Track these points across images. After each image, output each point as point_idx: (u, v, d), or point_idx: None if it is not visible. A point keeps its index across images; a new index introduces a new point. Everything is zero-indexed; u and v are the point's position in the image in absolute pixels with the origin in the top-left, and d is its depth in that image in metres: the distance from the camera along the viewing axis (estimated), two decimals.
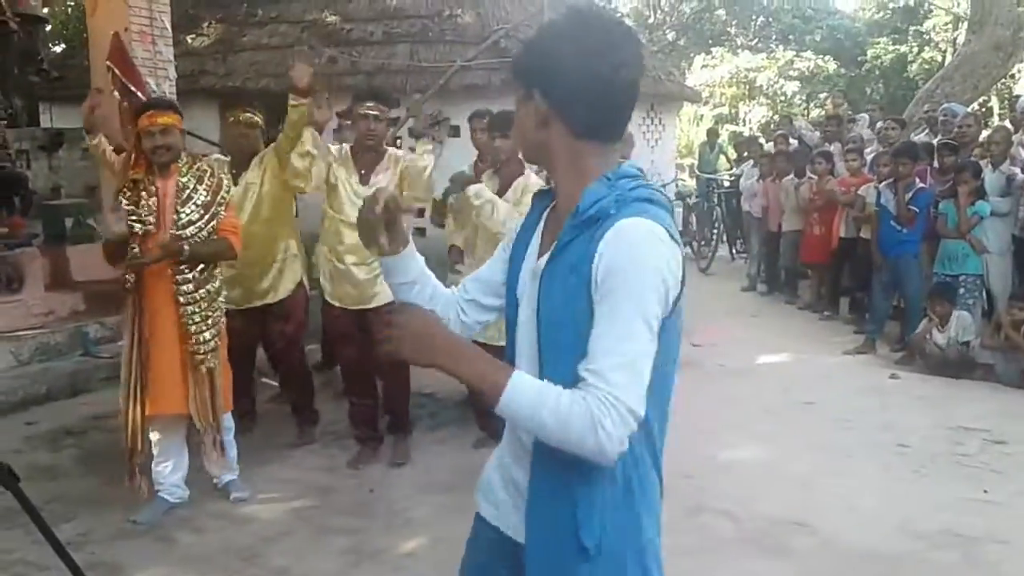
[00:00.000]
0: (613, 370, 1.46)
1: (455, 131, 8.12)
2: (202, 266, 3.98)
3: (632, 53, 1.60)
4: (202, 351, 3.97)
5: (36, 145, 10.78)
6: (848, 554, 3.70)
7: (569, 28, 1.60)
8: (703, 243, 12.30)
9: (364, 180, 4.67)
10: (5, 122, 10.04)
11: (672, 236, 1.55)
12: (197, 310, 3.95)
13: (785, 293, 9.73)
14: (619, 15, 22.22)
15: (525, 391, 1.49)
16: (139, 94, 6.75)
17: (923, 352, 6.66)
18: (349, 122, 5.49)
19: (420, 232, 7.47)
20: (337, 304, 4.75)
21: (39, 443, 5.07)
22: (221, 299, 4.13)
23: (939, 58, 23.20)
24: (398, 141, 9.29)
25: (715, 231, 12.11)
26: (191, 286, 3.94)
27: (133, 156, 4.04)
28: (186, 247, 3.86)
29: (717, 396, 5.99)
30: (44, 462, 4.75)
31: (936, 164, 7.61)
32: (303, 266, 5.03)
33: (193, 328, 3.94)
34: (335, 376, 5.74)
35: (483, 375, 1.52)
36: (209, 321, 4.00)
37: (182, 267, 3.91)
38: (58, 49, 14.49)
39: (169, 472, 4.12)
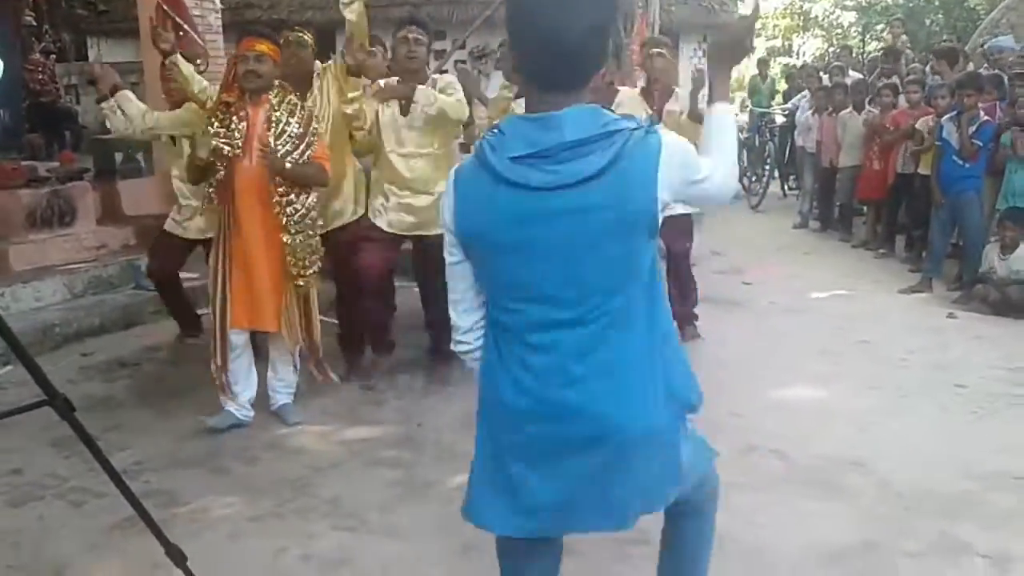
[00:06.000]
0: None
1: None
2: (305, 194, 4.07)
3: None
4: (305, 276, 4.13)
5: (85, 79, 10.82)
6: (903, 494, 3.62)
7: None
8: (754, 179, 12.04)
9: (404, 110, 4.67)
10: (54, 56, 10.10)
11: (456, 177, 1.82)
12: (303, 238, 4.07)
13: (839, 230, 9.52)
14: None
15: None
16: (186, 27, 6.72)
17: (983, 296, 6.48)
18: None
19: None
20: (389, 230, 4.77)
21: (94, 374, 5.16)
22: (318, 231, 4.25)
23: None
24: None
25: (766, 167, 11.83)
26: (299, 215, 4.04)
27: (229, 80, 4.09)
28: (288, 163, 3.95)
29: (769, 335, 5.90)
30: (99, 393, 4.84)
31: (1007, 98, 7.28)
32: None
33: (300, 254, 4.07)
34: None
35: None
36: (311, 247, 4.14)
37: (288, 196, 3.99)
38: None
39: (239, 392, 4.27)
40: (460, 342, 1.98)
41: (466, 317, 1.95)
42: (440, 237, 4.83)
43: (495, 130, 1.76)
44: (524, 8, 1.71)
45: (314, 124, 4.13)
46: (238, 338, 4.21)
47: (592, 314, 1.75)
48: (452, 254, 1.87)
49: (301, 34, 4.79)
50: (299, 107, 4.12)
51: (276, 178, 3.97)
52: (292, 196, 4.02)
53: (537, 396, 1.79)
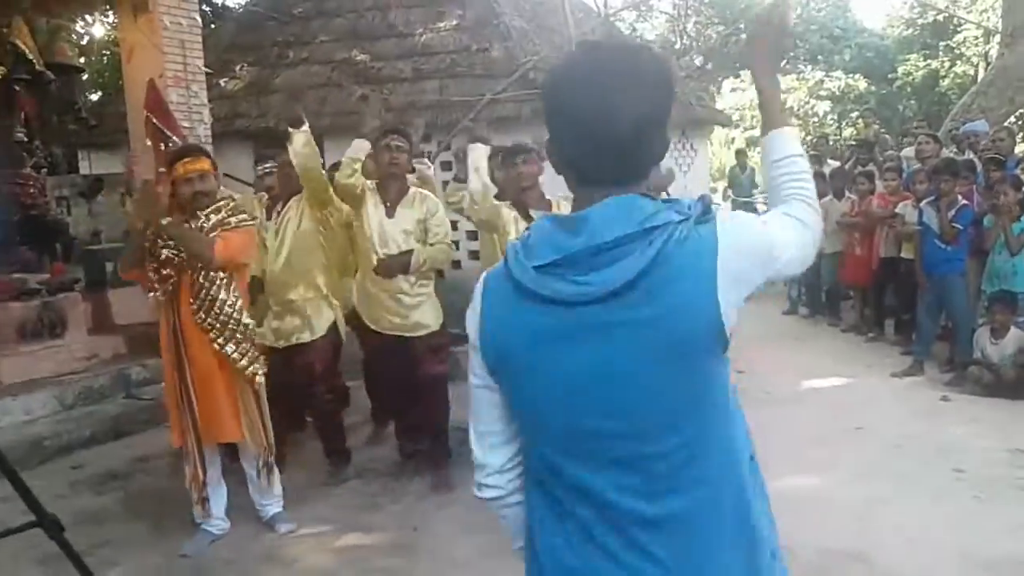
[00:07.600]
0: None
1: None
2: (203, 292, 3.97)
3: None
4: (248, 373, 4.07)
5: (75, 191, 10.95)
6: None
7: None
8: None
9: (390, 213, 4.76)
10: (45, 170, 10.23)
11: (485, 286, 1.51)
12: (218, 335, 3.99)
13: (828, 315, 9.58)
14: (648, 42, 22.26)
15: None
16: (176, 139, 6.87)
17: (977, 378, 6.49)
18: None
19: (456, 264, 7.47)
20: (374, 327, 4.82)
21: (84, 487, 5.09)
22: (246, 324, 4.12)
23: (971, 72, 22.91)
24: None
25: None
26: (202, 314, 3.98)
27: (173, 198, 4.10)
28: (164, 221, 3.91)
29: (764, 424, 5.77)
30: (90, 507, 4.76)
31: (982, 181, 7.43)
32: (339, 306, 4.98)
33: (229, 356, 4.01)
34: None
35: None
36: (243, 347, 4.06)
37: (206, 296, 3.98)
38: (95, 97, 14.80)
39: (211, 505, 4.18)
40: (489, 486, 1.58)
41: (495, 454, 1.56)
42: (429, 336, 4.74)
43: (526, 232, 1.48)
44: (565, 96, 1.44)
45: (239, 216, 4.11)
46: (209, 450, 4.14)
47: (655, 452, 1.40)
48: (477, 376, 1.53)
49: None
50: (229, 202, 4.16)
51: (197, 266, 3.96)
52: (192, 295, 3.97)
53: (592, 561, 1.43)
